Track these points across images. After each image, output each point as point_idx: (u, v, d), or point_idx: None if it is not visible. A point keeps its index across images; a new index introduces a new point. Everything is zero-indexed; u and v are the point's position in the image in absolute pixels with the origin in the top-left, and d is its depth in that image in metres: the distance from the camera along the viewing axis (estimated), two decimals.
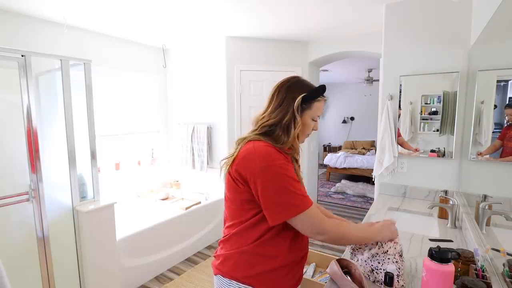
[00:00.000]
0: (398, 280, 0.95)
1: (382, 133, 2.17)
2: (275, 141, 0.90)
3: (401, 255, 0.99)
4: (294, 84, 0.94)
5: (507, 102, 1.16)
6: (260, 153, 0.85)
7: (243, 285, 0.89)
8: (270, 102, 0.95)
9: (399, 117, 2.12)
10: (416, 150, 2.08)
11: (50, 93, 1.97)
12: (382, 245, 0.98)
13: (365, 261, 1.04)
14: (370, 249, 1.01)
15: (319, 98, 0.94)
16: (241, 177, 0.86)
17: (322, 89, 0.93)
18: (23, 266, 1.78)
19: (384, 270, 0.97)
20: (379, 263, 0.98)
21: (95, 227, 1.99)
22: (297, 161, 1.01)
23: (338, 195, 5.06)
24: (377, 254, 0.99)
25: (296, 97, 0.91)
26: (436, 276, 0.84)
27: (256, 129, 0.94)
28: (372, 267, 1.01)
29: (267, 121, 0.92)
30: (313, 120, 0.96)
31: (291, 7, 2.27)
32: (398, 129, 2.13)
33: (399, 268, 0.97)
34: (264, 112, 0.94)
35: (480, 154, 1.47)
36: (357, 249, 1.09)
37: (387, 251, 0.97)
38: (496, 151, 1.25)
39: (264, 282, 0.88)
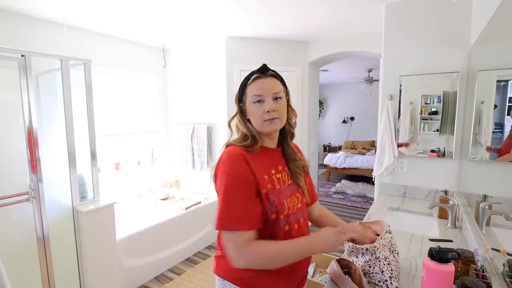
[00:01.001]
0: (391, 282, 0.95)
1: (382, 133, 2.17)
2: (240, 141, 0.90)
3: (394, 254, 0.99)
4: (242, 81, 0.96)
5: (507, 102, 1.16)
6: (223, 158, 0.87)
7: (234, 286, 0.90)
8: None
9: (399, 117, 2.12)
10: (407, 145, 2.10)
11: (50, 93, 1.97)
12: (375, 251, 0.96)
13: (359, 265, 1.03)
14: (362, 255, 1.00)
15: (249, 82, 0.90)
16: (215, 180, 0.89)
17: (253, 71, 0.91)
18: (23, 266, 1.78)
19: (375, 273, 0.97)
20: (370, 266, 0.98)
21: (95, 227, 1.99)
22: (295, 164, 0.99)
23: (338, 195, 5.06)
24: (370, 260, 0.98)
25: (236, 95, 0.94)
26: (436, 276, 0.84)
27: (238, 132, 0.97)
28: (364, 271, 1.01)
29: (229, 121, 0.96)
30: (255, 102, 0.88)
31: (291, 7, 2.27)
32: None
33: (391, 270, 0.96)
34: None
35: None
36: (350, 254, 1.08)
37: (379, 257, 0.96)
38: None
39: (252, 286, 0.88)
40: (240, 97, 0.93)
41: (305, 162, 1.03)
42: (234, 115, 0.95)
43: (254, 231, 0.83)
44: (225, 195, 0.81)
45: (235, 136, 0.95)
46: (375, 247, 0.96)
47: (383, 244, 0.98)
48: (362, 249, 0.98)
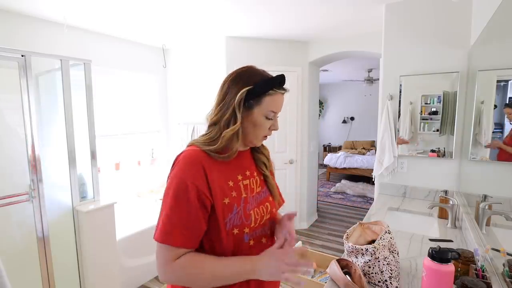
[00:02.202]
0: (391, 282, 0.95)
1: (382, 133, 2.17)
2: (209, 143, 0.77)
3: (394, 255, 0.99)
4: (240, 75, 0.79)
5: (507, 102, 1.16)
6: (179, 159, 0.75)
7: None
8: (216, 97, 0.82)
9: (399, 117, 2.12)
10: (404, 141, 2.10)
11: (50, 93, 1.97)
12: (374, 252, 0.96)
13: (359, 265, 1.03)
14: (362, 255, 1.00)
15: (270, 92, 0.77)
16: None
17: (276, 80, 0.76)
18: (23, 266, 1.78)
19: (375, 273, 0.97)
20: (369, 267, 0.98)
21: (95, 227, 1.99)
22: (265, 164, 0.89)
23: (338, 195, 5.06)
24: (369, 260, 0.98)
25: (239, 91, 0.76)
26: (436, 276, 0.84)
27: (206, 132, 0.82)
28: (364, 271, 1.01)
29: (211, 119, 0.80)
30: (267, 118, 0.78)
31: (291, 7, 2.27)
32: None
33: (391, 270, 0.96)
34: (212, 109, 0.82)
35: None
36: (350, 254, 1.07)
37: (378, 257, 0.96)
38: None
39: None
40: (251, 99, 0.77)
41: (272, 163, 0.94)
42: (235, 117, 0.76)
43: (187, 250, 0.72)
44: (169, 203, 0.70)
45: (201, 134, 0.82)
46: (374, 247, 0.96)
47: (382, 245, 0.98)
48: (362, 249, 0.98)
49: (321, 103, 7.99)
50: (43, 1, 2.10)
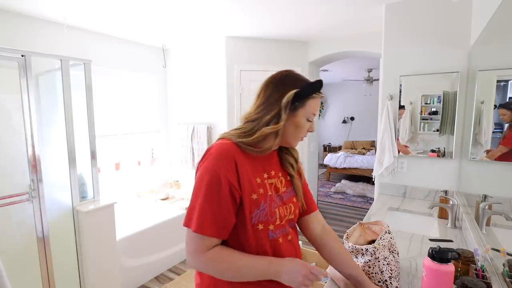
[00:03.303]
0: (391, 282, 0.95)
1: (382, 133, 2.17)
2: (244, 135, 0.79)
3: (394, 255, 0.99)
4: (285, 78, 0.82)
5: (507, 102, 1.16)
6: (212, 151, 0.77)
7: None
8: (257, 98, 0.84)
9: (400, 117, 2.12)
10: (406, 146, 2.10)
11: (50, 93, 1.97)
12: (374, 252, 0.96)
13: (359, 265, 1.03)
14: (362, 255, 1.00)
15: (314, 95, 0.82)
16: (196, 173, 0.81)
17: (318, 84, 0.81)
18: (23, 266, 1.78)
19: (375, 273, 0.97)
20: (369, 267, 0.98)
21: (95, 227, 1.99)
22: (292, 165, 0.91)
23: (338, 195, 5.06)
24: (369, 260, 0.98)
25: (286, 93, 0.78)
26: (436, 276, 0.84)
27: (240, 125, 0.84)
28: (364, 271, 1.01)
29: (250, 117, 0.82)
30: (308, 120, 0.83)
31: (291, 7, 2.27)
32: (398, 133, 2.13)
33: (391, 270, 0.96)
34: (251, 108, 0.84)
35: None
36: (350, 254, 1.07)
37: (378, 257, 0.96)
38: None
39: None
40: (297, 101, 0.80)
41: (301, 166, 0.97)
42: (278, 118, 0.78)
43: (218, 240, 0.76)
44: (203, 195, 0.73)
45: (234, 128, 0.84)
46: (374, 247, 0.96)
47: (382, 245, 0.98)
48: (362, 249, 0.98)
49: (321, 103, 7.98)
50: (43, 1, 2.10)
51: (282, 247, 0.82)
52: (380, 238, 1.00)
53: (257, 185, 0.79)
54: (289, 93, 0.79)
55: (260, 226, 0.78)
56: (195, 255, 0.75)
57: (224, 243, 0.79)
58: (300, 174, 0.95)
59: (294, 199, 0.89)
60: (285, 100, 0.78)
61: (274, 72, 0.85)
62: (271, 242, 0.80)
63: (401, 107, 2.11)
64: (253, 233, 0.78)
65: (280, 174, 0.88)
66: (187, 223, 0.75)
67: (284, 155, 0.92)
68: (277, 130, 0.79)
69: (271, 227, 0.80)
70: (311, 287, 0.75)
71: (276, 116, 0.79)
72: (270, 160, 0.87)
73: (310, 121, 0.84)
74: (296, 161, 0.94)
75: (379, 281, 0.96)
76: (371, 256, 0.96)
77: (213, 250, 0.75)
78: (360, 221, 1.17)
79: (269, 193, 0.81)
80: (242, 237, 0.78)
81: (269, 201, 0.80)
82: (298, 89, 0.79)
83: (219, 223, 0.74)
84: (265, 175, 0.83)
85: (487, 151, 1.36)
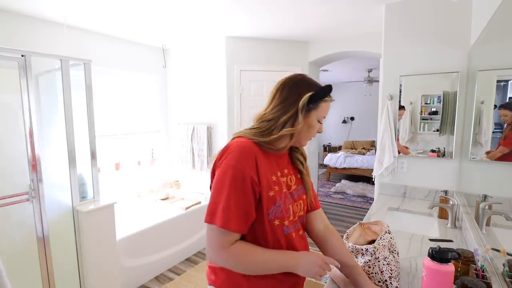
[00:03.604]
0: (391, 282, 0.95)
1: (382, 133, 2.17)
2: (263, 135, 0.83)
3: (394, 255, 0.98)
4: (300, 82, 0.87)
5: (508, 102, 1.16)
6: (231, 149, 0.79)
7: None
8: (272, 99, 0.88)
9: (400, 117, 2.12)
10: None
11: (50, 93, 1.97)
12: (374, 252, 0.96)
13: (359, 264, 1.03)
14: (362, 255, 1.00)
15: (326, 98, 0.87)
16: (214, 171, 0.83)
17: (329, 88, 0.86)
18: (23, 266, 1.78)
19: (375, 273, 0.97)
20: (369, 267, 0.98)
21: (95, 227, 1.99)
22: (302, 162, 0.96)
23: (338, 195, 5.06)
24: (369, 260, 0.98)
25: (302, 95, 0.83)
26: (436, 276, 0.84)
27: (254, 125, 0.87)
28: (364, 271, 1.01)
29: (265, 117, 0.86)
30: (318, 121, 0.89)
31: (291, 7, 2.27)
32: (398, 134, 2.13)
33: (391, 270, 0.96)
34: (266, 108, 0.88)
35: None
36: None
37: (378, 257, 0.96)
38: None
39: None
40: (311, 103, 0.85)
41: (307, 164, 1.01)
42: (295, 118, 0.83)
43: (240, 235, 0.80)
44: (227, 191, 0.75)
45: (248, 127, 0.87)
46: (374, 247, 0.96)
47: (382, 245, 0.98)
48: (362, 249, 0.98)
49: None
50: (43, 1, 2.10)
51: (295, 242, 0.87)
52: (380, 238, 1.00)
53: (273, 183, 0.83)
54: (306, 95, 0.83)
55: (276, 222, 0.82)
56: (218, 251, 0.77)
57: (241, 238, 0.82)
58: (307, 171, 0.99)
59: (304, 196, 0.94)
60: (302, 102, 0.83)
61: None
62: (285, 236, 0.85)
63: (401, 108, 2.11)
64: (270, 228, 0.81)
65: (291, 172, 0.92)
66: (210, 219, 0.76)
67: (294, 153, 0.96)
68: (296, 126, 0.83)
69: (286, 222, 0.84)
70: (324, 276, 0.80)
71: (292, 117, 0.83)
72: (283, 159, 0.91)
73: (321, 123, 0.90)
74: (305, 158, 0.98)
75: (379, 281, 0.96)
76: (371, 256, 0.96)
77: (236, 245, 0.78)
78: (360, 221, 1.17)
79: (284, 190, 0.85)
80: (258, 232, 0.82)
81: (283, 198, 0.84)
82: (313, 92, 0.84)
83: (242, 219, 0.77)
84: (279, 173, 0.87)
85: (488, 152, 1.36)
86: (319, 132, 0.92)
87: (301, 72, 0.90)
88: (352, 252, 1.03)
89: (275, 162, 0.87)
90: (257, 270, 0.80)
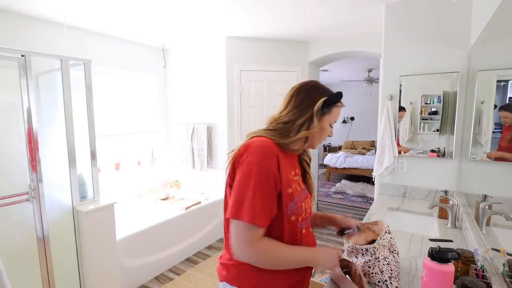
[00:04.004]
0: (391, 282, 0.95)
1: (382, 133, 2.17)
2: (281, 136, 0.88)
3: (394, 255, 0.98)
4: (314, 88, 0.93)
5: (507, 102, 1.16)
6: (254, 147, 0.82)
7: None
8: (288, 102, 0.93)
9: (400, 118, 2.12)
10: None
11: (50, 93, 1.97)
12: (374, 252, 0.96)
13: (359, 265, 1.03)
14: (362, 255, 1.00)
15: (338, 104, 0.93)
16: (234, 168, 0.85)
17: (340, 94, 0.93)
18: (23, 266, 1.78)
19: (375, 273, 0.97)
20: (369, 267, 0.98)
21: (95, 227, 1.98)
22: (308, 164, 1.02)
23: (338, 195, 5.06)
24: (369, 260, 0.98)
25: (317, 100, 0.89)
26: (436, 276, 0.84)
27: (270, 126, 0.92)
28: (364, 271, 1.01)
29: (281, 119, 0.90)
30: (330, 125, 0.95)
31: (291, 7, 2.27)
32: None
33: (391, 270, 0.96)
34: (282, 112, 0.92)
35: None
36: (350, 254, 1.07)
37: (378, 257, 0.96)
38: None
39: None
40: (325, 108, 0.90)
41: None
42: (310, 122, 0.88)
43: (264, 230, 0.81)
44: (253, 188, 0.77)
45: (264, 128, 0.92)
46: (374, 247, 0.96)
47: (382, 245, 0.98)
48: (362, 249, 0.98)
49: None
50: (43, 1, 2.10)
51: (306, 237, 0.92)
52: (380, 238, 1.00)
53: (291, 181, 0.88)
54: (320, 100, 0.89)
55: (293, 218, 0.86)
56: (247, 246, 0.78)
57: None
58: (311, 175, 1.05)
59: (309, 196, 0.99)
60: (316, 107, 0.88)
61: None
62: (300, 232, 0.89)
63: (401, 109, 2.11)
64: (288, 224, 0.85)
65: (300, 173, 0.97)
66: (236, 215, 0.77)
67: (301, 155, 1.01)
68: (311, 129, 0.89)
69: (300, 218, 0.89)
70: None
71: (308, 120, 0.88)
72: (294, 160, 0.97)
73: (331, 127, 0.96)
74: (310, 159, 1.04)
75: (379, 281, 0.96)
76: (371, 256, 0.96)
77: (264, 241, 0.80)
78: (360, 221, 1.17)
79: (298, 188, 0.91)
80: (276, 228, 0.85)
81: (298, 196, 0.89)
82: (327, 97, 0.90)
83: (267, 214, 0.80)
84: (292, 173, 0.92)
85: (488, 154, 1.36)
86: (330, 136, 0.97)
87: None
88: (352, 252, 1.03)
89: (290, 162, 0.92)
90: (282, 265, 0.83)
